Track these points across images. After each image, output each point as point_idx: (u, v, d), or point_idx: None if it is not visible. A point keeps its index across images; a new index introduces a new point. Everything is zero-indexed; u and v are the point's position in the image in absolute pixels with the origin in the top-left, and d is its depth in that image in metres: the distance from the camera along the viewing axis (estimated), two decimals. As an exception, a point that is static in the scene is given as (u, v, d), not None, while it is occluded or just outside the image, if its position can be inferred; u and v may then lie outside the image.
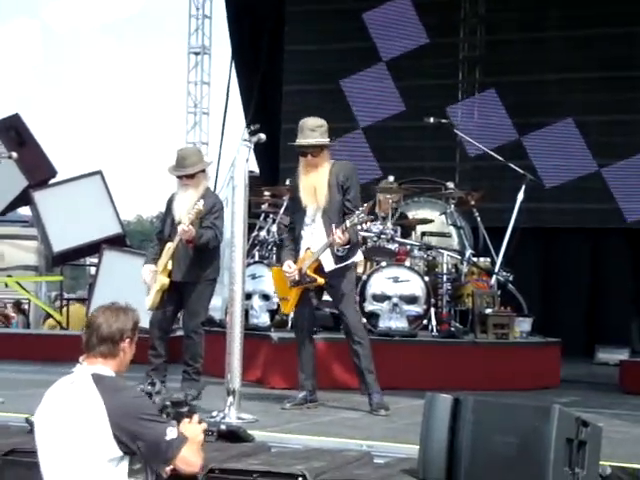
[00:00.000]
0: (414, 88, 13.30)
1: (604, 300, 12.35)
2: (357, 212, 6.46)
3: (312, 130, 6.70)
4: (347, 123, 13.35)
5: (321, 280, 6.61)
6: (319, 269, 6.65)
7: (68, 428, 3.81)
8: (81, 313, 14.40)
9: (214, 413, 5.92)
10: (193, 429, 3.97)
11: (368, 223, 6.73)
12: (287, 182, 9.35)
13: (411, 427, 5.50)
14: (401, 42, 13.57)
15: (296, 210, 6.88)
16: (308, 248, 6.70)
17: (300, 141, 6.71)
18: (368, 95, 13.78)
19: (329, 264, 6.63)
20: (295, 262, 6.72)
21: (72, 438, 3.80)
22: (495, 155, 10.07)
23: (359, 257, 7.16)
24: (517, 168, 9.80)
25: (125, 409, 3.81)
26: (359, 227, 6.53)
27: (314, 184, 6.68)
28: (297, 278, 6.67)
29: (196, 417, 4.07)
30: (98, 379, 3.87)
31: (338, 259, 6.63)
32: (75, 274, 30.28)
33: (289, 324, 8.68)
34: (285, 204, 9.27)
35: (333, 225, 6.52)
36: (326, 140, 6.73)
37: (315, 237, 6.68)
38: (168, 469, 3.86)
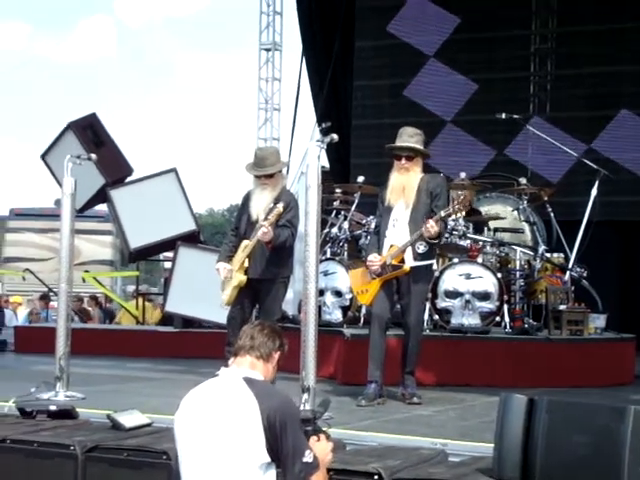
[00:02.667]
0: (486, 82, 13.24)
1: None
2: (452, 204, 6.76)
3: (410, 136, 7.01)
4: (425, 117, 13.29)
5: (406, 267, 6.80)
6: (402, 262, 6.83)
7: (221, 430, 3.79)
8: (155, 309, 14.69)
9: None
10: (322, 448, 3.97)
11: (461, 213, 6.95)
12: (359, 179, 9.45)
13: (485, 425, 5.53)
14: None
15: (383, 212, 7.08)
16: (392, 245, 6.89)
17: (397, 144, 7.01)
18: (438, 90, 13.73)
19: (410, 260, 6.84)
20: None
21: (225, 440, 3.77)
22: (568, 150, 9.98)
23: (434, 262, 7.35)
24: (590, 163, 9.73)
25: (278, 411, 3.81)
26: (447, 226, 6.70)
27: (403, 184, 6.95)
28: (379, 270, 6.82)
29: (323, 436, 4.07)
30: (250, 382, 3.89)
31: (419, 256, 6.85)
32: (149, 268, 30.79)
33: (361, 320, 8.76)
34: (356, 201, 9.36)
35: (425, 218, 6.74)
36: (420, 147, 7.00)
37: (399, 235, 6.89)
38: None
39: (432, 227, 6.65)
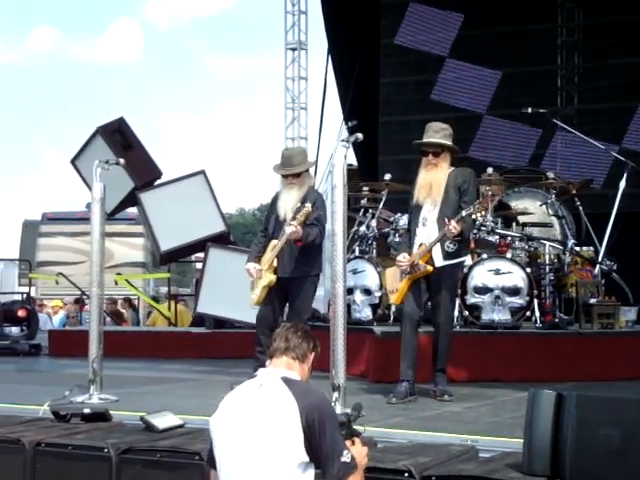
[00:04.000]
0: (513, 75, 13.22)
1: None
2: (474, 204, 6.72)
3: (436, 132, 6.97)
4: (453, 113, 13.29)
5: (430, 267, 6.79)
6: (429, 261, 6.83)
7: (261, 430, 3.81)
8: (186, 311, 14.78)
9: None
10: (358, 452, 3.98)
11: (483, 212, 6.92)
12: (386, 177, 9.46)
13: (516, 421, 5.51)
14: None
15: (412, 210, 7.08)
16: (421, 244, 6.88)
17: (423, 140, 6.97)
18: (465, 82, 13.73)
19: (438, 259, 6.82)
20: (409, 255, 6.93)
21: (264, 440, 3.79)
22: (595, 143, 9.94)
23: (467, 258, 7.32)
24: (618, 155, 9.69)
25: (317, 409, 3.83)
26: (473, 219, 6.68)
27: (431, 181, 6.92)
28: (408, 269, 6.84)
29: (358, 440, 4.09)
30: (288, 382, 3.92)
31: (447, 255, 6.83)
32: (181, 269, 30.94)
33: (391, 318, 8.78)
34: (384, 198, 9.38)
35: (447, 218, 6.71)
36: (448, 142, 6.95)
37: (428, 233, 6.88)
38: None
39: (454, 228, 6.64)
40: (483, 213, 7.14)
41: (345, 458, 3.84)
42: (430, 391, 7.00)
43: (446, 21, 13.75)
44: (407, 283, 6.92)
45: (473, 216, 6.88)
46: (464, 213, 6.70)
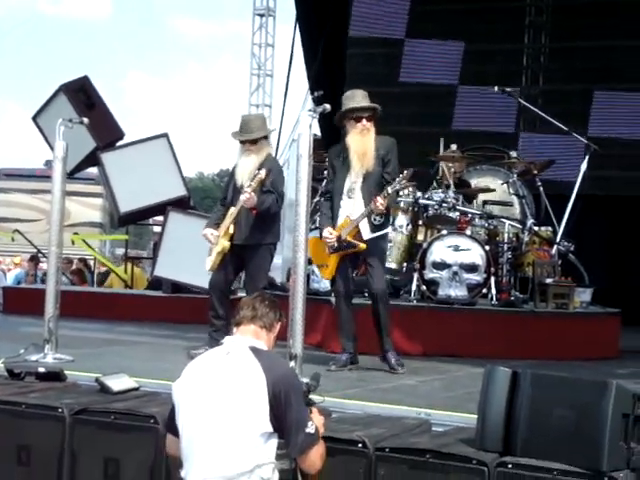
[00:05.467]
0: (479, 53, 13.21)
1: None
2: (398, 179, 6.71)
3: (364, 97, 7.01)
4: (416, 86, 13.29)
5: (362, 245, 6.81)
6: (357, 236, 6.84)
7: (227, 399, 3.83)
8: (142, 274, 14.72)
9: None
10: (317, 421, 4.01)
11: (409, 189, 6.91)
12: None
13: (470, 396, 5.57)
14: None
15: (336, 178, 7.04)
16: (347, 216, 6.88)
17: (362, 104, 6.96)
18: (429, 59, 13.72)
19: (366, 233, 6.86)
20: (334, 229, 6.91)
21: (230, 408, 3.81)
22: (559, 124, 9.99)
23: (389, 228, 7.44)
24: (581, 138, 9.76)
25: (284, 381, 3.86)
26: (399, 194, 6.68)
27: (365, 148, 6.89)
28: (336, 244, 6.85)
29: (315, 410, 4.12)
30: (256, 351, 3.93)
31: (374, 227, 6.88)
32: (138, 231, 30.76)
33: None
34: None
35: (373, 195, 6.72)
36: (378, 106, 6.99)
37: (354, 206, 6.88)
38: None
39: (381, 204, 6.66)
40: (410, 189, 7.04)
41: (309, 429, 3.88)
42: (384, 363, 7.01)
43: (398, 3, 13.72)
44: (337, 259, 6.94)
45: (396, 196, 6.89)
46: (390, 190, 6.71)
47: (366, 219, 6.84)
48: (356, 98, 6.99)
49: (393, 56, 13.76)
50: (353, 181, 6.90)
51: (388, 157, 6.91)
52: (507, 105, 12.64)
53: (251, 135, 7.43)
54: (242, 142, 7.50)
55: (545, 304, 8.59)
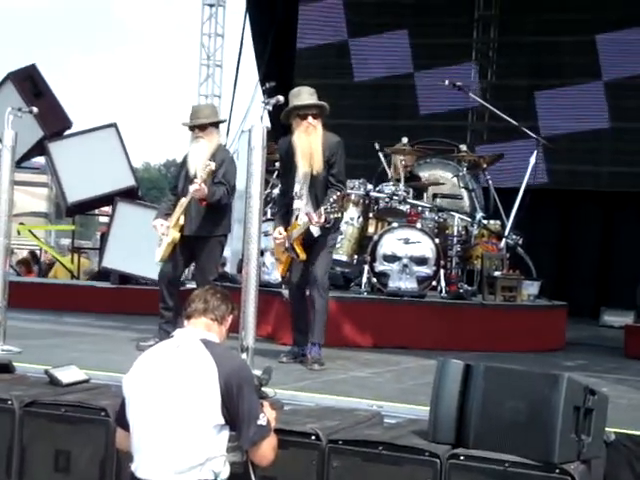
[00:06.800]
0: (428, 47, 13.27)
1: (614, 263, 12.41)
2: (331, 200, 6.54)
3: (311, 94, 6.90)
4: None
5: (303, 256, 6.75)
6: (307, 236, 6.75)
7: (178, 391, 3.80)
8: (88, 264, 14.57)
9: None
10: (268, 414, 3.99)
11: (336, 214, 6.70)
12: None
13: (420, 388, 5.64)
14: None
15: (288, 175, 6.95)
16: (297, 216, 6.81)
17: (307, 101, 6.85)
18: (380, 53, 13.75)
19: (315, 231, 6.77)
20: (286, 229, 6.85)
21: (181, 401, 3.79)
22: (508, 118, 10.07)
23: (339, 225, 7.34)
24: (529, 132, 9.85)
25: (236, 374, 3.84)
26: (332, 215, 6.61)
27: (312, 147, 6.78)
28: (287, 244, 6.83)
29: (267, 404, 4.11)
30: (207, 344, 3.91)
31: (323, 229, 6.76)
32: (84, 222, 30.39)
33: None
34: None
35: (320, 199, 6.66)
36: (325, 103, 6.90)
37: (304, 207, 6.80)
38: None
39: (317, 223, 6.58)
40: (334, 216, 6.80)
41: (261, 422, 3.87)
42: (305, 354, 6.88)
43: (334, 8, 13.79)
44: (289, 258, 6.93)
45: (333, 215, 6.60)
46: (322, 212, 6.52)
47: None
48: (302, 95, 6.88)
49: (344, 47, 13.78)
50: (301, 182, 6.81)
51: (333, 159, 6.78)
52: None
53: (199, 120, 7.41)
54: (191, 129, 7.48)
55: (493, 297, 8.67)
